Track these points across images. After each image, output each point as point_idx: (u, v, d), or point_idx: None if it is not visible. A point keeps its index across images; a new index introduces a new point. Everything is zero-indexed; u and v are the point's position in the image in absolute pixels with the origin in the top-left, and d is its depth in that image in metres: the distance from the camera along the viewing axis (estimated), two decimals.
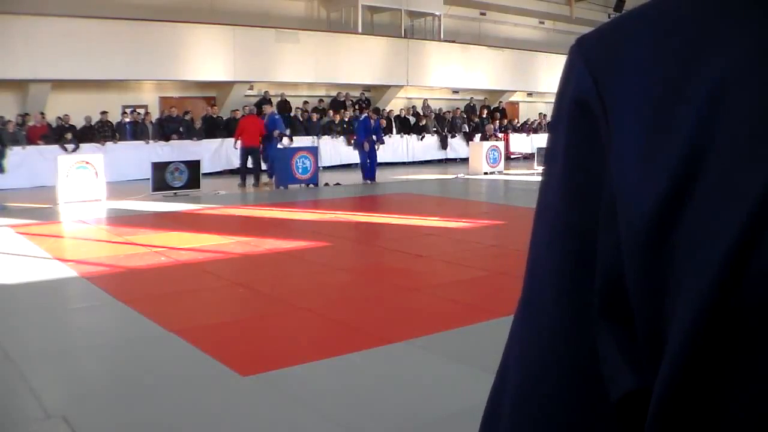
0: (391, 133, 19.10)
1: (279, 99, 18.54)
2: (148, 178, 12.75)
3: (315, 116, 18.62)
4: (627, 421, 0.40)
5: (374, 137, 14.82)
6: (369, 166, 14.74)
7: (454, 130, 20.95)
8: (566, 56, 0.46)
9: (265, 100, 18.29)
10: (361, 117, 16.06)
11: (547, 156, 0.46)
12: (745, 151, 0.33)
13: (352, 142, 18.55)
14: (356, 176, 16.14)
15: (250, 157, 14.29)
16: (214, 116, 17.23)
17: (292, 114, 18.49)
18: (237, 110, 17.35)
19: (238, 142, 14.22)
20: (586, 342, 0.41)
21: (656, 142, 0.37)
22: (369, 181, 14.65)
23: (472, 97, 23.08)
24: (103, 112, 15.62)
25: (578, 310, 0.41)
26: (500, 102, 23.10)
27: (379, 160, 15.33)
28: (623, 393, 0.39)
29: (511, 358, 0.46)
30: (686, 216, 0.35)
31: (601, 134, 0.41)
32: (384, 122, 17.06)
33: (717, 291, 0.33)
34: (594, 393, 0.41)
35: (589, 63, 0.42)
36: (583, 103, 0.42)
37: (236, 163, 16.79)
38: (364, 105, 20.20)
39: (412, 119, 20.27)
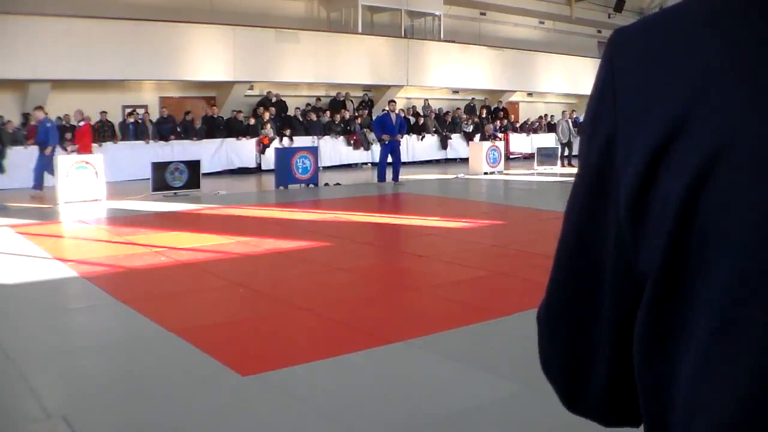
0: None
1: (275, 99, 18.54)
2: (148, 178, 12.75)
3: (315, 116, 18.61)
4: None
5: (399, 134, 14.60)
6: (393, 166, 14.47)
7: (454, 130, 20.94)
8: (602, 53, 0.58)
9: (267, 100, 18.28)
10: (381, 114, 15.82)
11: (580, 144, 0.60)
12: (706, 124, 0.46)
13: (352, 142, 18.56)
14: (356, 176, 16.13)
15: None
16: (214, 116, 17.24)
17: (291, 114, 18.50)
18: (238, 111, 17.39)
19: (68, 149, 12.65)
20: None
21: (641, 128, 0.50)
22: (393, 182, 14.39)
23: (473, 98, 23.07)
24: (103, 112, 15.64)
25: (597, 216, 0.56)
26: (500, 102, 23.10)
27: (378, 160, 15.16)
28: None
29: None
30: (661, 175, 0.49)
31: (609, 123, 0.53)
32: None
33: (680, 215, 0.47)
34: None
35: (613, 62, 0.54)
36: (601, 98, 0.55)
37: (237, 162, 16.85)
38: (366, 105, 20.20)
39: (412, 119, 20.26)
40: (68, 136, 14.56)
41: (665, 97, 0.48)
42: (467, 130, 20.75)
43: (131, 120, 16.08)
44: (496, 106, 22.75)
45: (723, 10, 0.48)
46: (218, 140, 16.63)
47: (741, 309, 0.44)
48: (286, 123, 17.81)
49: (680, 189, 0.47)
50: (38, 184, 12.40)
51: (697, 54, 0.48)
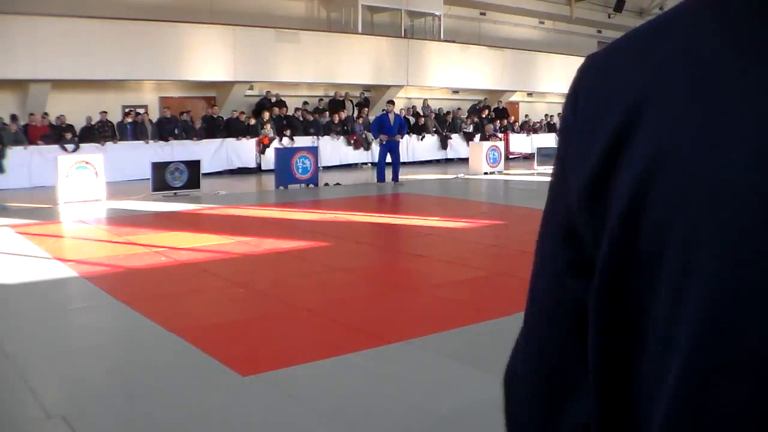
0: None
1: (274, 98, 18.52)
2: (148, 178, 12.75)
3: (315, 116, 18.59)
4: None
5: (398, 134, 14.56)
6: (392, 166, 14.43)
7: (454, 130, 20.93)
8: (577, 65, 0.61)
9: (266, 100, 18.31)
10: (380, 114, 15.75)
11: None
12: (646, 135, 0.49)
13: (352, 142, 18.55)
14: (356, 176, 16.12)
15: None
16: (214, 116, 17.23)
17: (291, 114, 18.48)
18: (237, 110, 17.39)
19: None
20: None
21: (591, 138, 0.53)
22: (393, 182, 14.36)
23: (479, 101, 23.02)
24: (103, 112, 15.63)
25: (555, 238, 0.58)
26: (500, 102, 23.09)
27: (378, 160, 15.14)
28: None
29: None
30: (609, 185, 0.51)
31: (573, 135, 0.56)
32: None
33: (622, 229, 0.49)
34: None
35: (580, 82, 0.57)
36: (566, 115, 0.58)
37: (237, 162, 16.83)
38: (363, 104, 20.18)
39: (412, 119, 20.26)
40: (68, 135, 14.57)
41: (616, 103, 0.51)
42: (467, 130, 20.75)
43: (129, 120, 16.06)
44: (496, 106, 22.73)
45: (676, 19, 0.51)
46: (218, 140, 16.61)
47: (687, 303, 0.45)
48: (286, 123, 17.80)
49: (628, 190, 0.48)
50: None
51: (644, 61, 0.50)
